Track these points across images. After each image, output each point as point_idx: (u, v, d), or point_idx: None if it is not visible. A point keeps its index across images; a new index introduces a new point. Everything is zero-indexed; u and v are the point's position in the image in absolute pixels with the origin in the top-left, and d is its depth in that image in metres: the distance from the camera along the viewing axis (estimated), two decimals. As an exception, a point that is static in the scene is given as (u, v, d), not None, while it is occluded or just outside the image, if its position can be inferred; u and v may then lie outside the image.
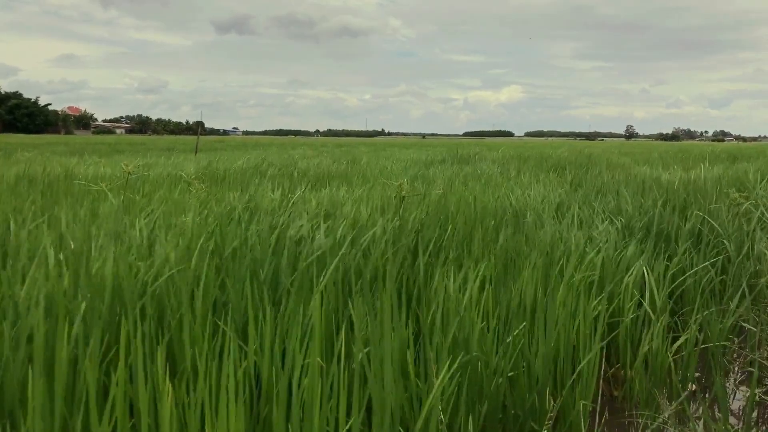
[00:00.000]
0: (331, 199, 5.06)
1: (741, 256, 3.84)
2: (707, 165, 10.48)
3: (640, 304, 3.07)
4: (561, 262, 3.00)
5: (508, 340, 2.27)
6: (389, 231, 3.33)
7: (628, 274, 3.14)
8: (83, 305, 1.96)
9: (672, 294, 3.50)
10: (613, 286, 3.07)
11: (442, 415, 1.89)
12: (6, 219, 3.50)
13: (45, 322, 1.76)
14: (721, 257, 3.90)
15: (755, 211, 4.64)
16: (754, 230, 4.29)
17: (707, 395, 2.90)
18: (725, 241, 4.10)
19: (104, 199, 4.56)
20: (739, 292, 3.25)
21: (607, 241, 3.65)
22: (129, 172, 4.70)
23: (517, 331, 2.31)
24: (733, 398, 2.91)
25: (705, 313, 3.03)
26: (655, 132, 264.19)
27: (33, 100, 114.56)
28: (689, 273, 3.47)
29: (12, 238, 3.01)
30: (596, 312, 2.66)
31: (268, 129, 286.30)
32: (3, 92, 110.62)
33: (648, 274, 3.17)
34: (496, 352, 2.21)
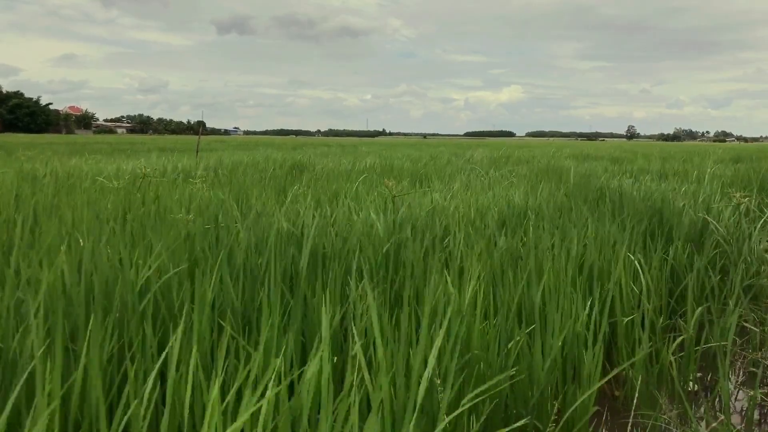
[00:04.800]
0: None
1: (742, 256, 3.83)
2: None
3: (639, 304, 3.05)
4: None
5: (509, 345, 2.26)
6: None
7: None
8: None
9: (672, 293, 3.50)
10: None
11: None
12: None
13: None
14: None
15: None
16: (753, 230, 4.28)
17: (708, 395, 2.90)
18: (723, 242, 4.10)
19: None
20: (736, 292, 3.24)
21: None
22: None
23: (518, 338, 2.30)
24: (735, 399, 2.90)
25: (701, 306, 3.02)
26: (656, 132, 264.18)
27: (34, 99, 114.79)
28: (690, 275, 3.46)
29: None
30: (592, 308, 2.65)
31: (268, 129, 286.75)
32: (4, 92, 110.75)
33: (641, 266, 3.14)
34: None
